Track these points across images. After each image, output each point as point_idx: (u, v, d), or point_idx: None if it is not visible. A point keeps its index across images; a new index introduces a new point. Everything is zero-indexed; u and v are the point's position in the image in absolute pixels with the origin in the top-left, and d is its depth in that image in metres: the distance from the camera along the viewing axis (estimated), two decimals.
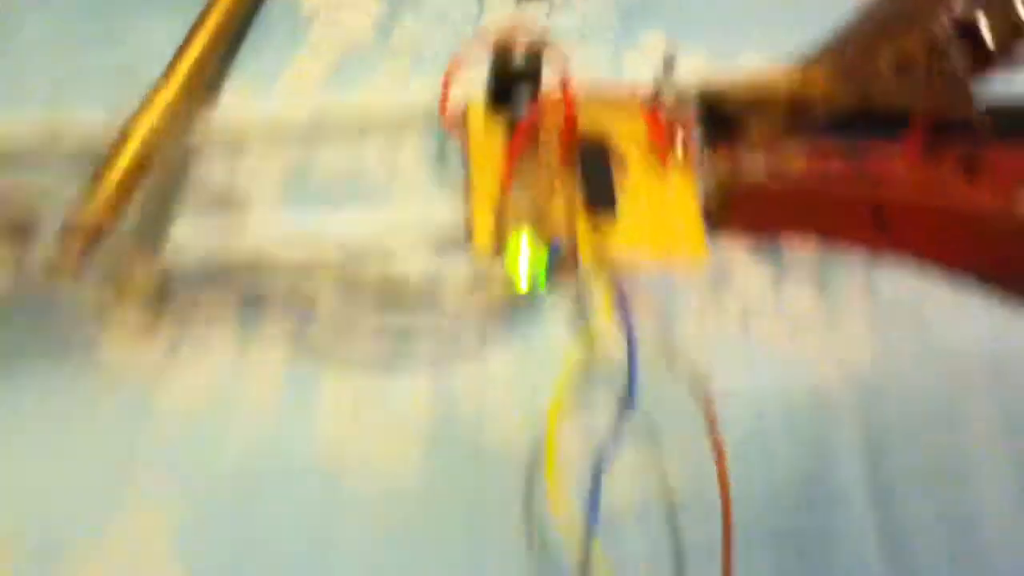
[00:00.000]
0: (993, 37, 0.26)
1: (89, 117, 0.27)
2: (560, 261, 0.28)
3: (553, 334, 0.28)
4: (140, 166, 0.26)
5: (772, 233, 0.31)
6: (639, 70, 0.33)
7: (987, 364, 0.30)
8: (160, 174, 0.27)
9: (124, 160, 0.25)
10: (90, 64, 0.30)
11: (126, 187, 0.25)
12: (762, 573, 0.27)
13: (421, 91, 0.32)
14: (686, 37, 0.34)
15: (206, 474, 0.25)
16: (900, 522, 0.28)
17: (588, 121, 0.31)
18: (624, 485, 0.27)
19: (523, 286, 0.27)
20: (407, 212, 0.30)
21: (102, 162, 0.25)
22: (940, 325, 0.30)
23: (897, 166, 0.30)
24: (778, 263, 0.30)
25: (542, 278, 0.28)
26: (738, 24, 0.35)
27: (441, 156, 0.31)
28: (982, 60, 0.27)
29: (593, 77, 0.32)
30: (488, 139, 0.30)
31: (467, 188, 0.30)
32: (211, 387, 0.26)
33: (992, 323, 0.30)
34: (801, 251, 0.31)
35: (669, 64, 0.32)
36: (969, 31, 0.28)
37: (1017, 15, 0.26)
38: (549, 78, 0.29)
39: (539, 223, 0.29)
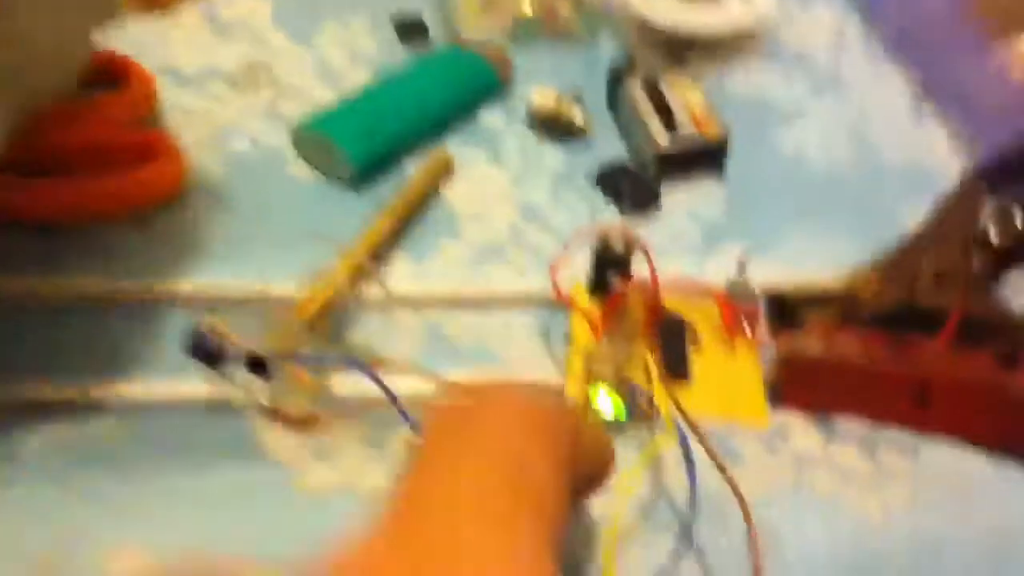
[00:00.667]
0: (1000, 241, 0.32)
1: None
2: (636, 408, 0.34)
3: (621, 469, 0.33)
4: (327, 306, 0.34)
5: (826, 408, 0.36)
6: (718, 269, 0.40)
7: None
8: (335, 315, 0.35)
9: (318, 297, 0.34)
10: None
11: (313, 320, 0.33)
12: None
13: (536, 280, 0.39)
14: (762, 248, 0.41)
15: None
16: None
17: (670, 305, 0.38)
18: None
19: (607, 416, 0.33)
20: (517, 371, 0.37)
21: (303, 299, 0.34)
22: (983, 499, 0.33)
23: (938, 349, 0.35)
24: (831, 430, 0.35)
25: (621, 416, 0.33)
26: (802, 245, 0.42)
27: (547, 331, 0.38)
28: (997, 261, 0.33)
29: (677, 275, 0.39)
30: (587, 313, 0.37)
31: (567, 351, 0.37)
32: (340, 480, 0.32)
33: None
34: (850, 424, 0.35)
35: (742, 265, 0.39)
36: (986, 240, 0.33)
37: (1014, 224, 0.32)
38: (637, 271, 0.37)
39: (620, 382, 0.35)
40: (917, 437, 0.34)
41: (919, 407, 0.34)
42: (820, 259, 0.41)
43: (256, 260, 0.38)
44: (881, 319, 0.37)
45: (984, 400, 0.34)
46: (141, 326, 0.36)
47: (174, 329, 0.35)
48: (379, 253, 0.38)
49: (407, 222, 0.41)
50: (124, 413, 0.33)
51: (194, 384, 0.34)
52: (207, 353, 0.31)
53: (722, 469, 0.29)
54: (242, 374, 0.32)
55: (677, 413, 0.33)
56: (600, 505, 0.31)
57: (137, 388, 0.34)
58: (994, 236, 0.32)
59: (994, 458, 0.34)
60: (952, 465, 0.33)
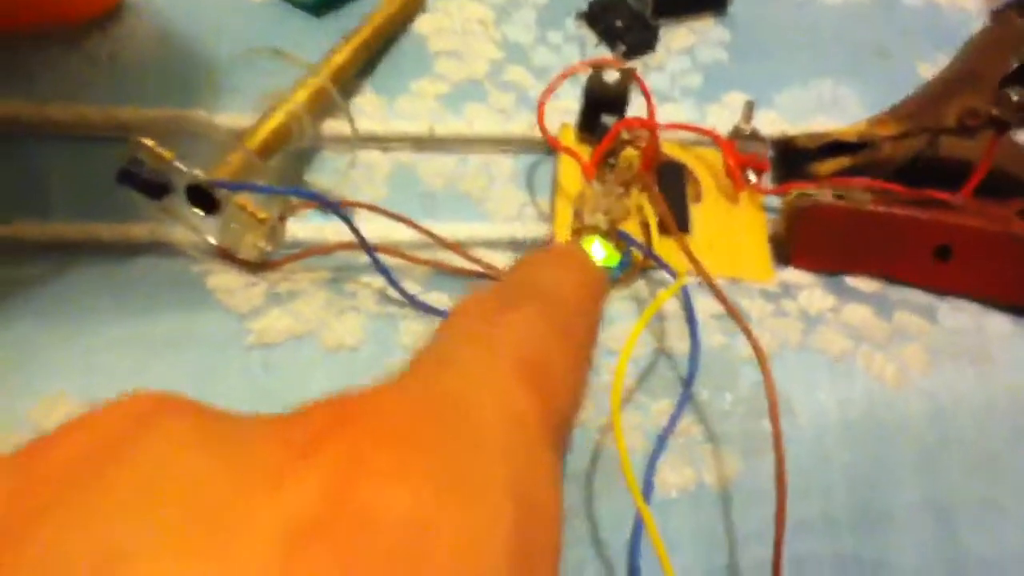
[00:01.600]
0: None
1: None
2: (632, 261, 0.30)
3: (620, 323, 0.30)
4: (283, 134, 0.30)
5: (837, 264, 0.32)
6: (719, 122, 0.36)
7: None
8: (293, 150, 0.31)
9: (271, 124, 0.29)
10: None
11: (267, 151, 0.29)
12: (813, 574, 0.27)
13: (519, 122, 0.35)
14: (763, 99, 0.38)
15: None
16: (959, 548, 0.28)
17: (669, 151, 0.34)
18: (678, 467, 0.27)
19: (596, 260, 0.30)
20: (498, 219, 0.33)
21: (251, 128, 0.29)
22: (1003, 360, 0.30)
23: (961, 201, 0.31)
24: (842, 288, 0.32)
25: (613, 267, 0.30)
26: (813, 93, 0.38)
27: (531, 175, 0.34)
28: None
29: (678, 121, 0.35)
30: (576, 155, 0.33)
31: (553, 198, 0.33)
32: (298, 329, 0.29)
33: None
34: (864, 283, 0.32)
35: (749, 108, 0.35)
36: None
37: None
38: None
39: (612, 232, 0.31)
40: (934, 296, 0.31)
41: (939, 261, 0.31)
42: (831, 110, 0.38)
43: (200, 87, 0.33)
44: (899, 171, 0.34)
45: (1008, 254, 0.31)
46: (72, 158, 0.31)
47: (109, 162, 0.30)
48: (343, 85, 0.33)
49: (374, 54, 0.36)
50: (54, 255, 0.29)
51: (132, 223, 0.29)
52: (143, 181, 0.27)
53: (738, 319, 0.25)
54: (186, 208, 0.28)
55: (682, 265, 0.30)
56: (607, 371, 0.28)
57: (69, 228, 0.30)
58: None
59: (1014, 316, 0.31)
60: (971, 325, 0.31)
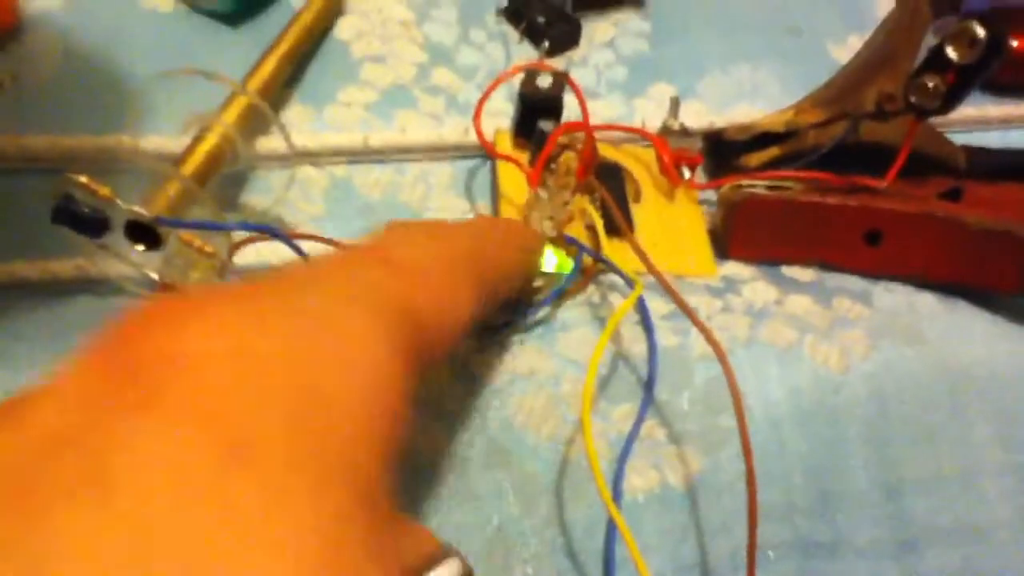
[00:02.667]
0: (961, 57, 0.30)
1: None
2: (582, 267, 0.31)
3: (576, 330, 0.30)
4: (217, 158, 0.28)
5: (774, 254, 0.33)
6: (647, 116, 0.37)
7: (984, 378, 0.31)
8: (227, 172, 0.30)
9: (204, 148, 0.28)
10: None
11: (202, 177, 0.28)
12: (779, 562, 0.28)
13: (453, 128, 0.35)
14: (687, 89, 0.38)
15: None
16: (909, 520, 0.29)
17: (604, 151, 0.34)
18: (642, 471, 0.28)
19: (548, 269, 0.30)
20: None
21: (184, 153, 0.28)
22: (937, 339, 0.31)
23: (886, 186, 0.33)
24: (781, 279, 0.33)
25: (566, 268, 0.30)
26: (734, 79, 0.39)
27: (469, 181, 0.34)
28: (956, 83, 0.31)
29: (607, 119, 0.35)
30: (518, 163, 0.33)
31: (496, 205, 0.33)
32: None
33: (985, 340, 0.32)
34: (801, 272, 0.33)
35: (675, 104, 0.35)
36: (939, 59, 0.31)
37: (972, 31, 0.29)
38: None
39: (560, 237, 0.31)
40: (868, 280, 0.33)
41: (870, 246, 0.33)
42: (752, 96, 0.39)
43: (118, 110, 0.31)
44: (824, 157, 0.35)
45: (932, 234, 0.32)
46: None
47: (29, 196, 0.28)
48: (270, 99, 0.32)
49: (298, 64, 0.35)
50: None
51: (63, 261, 0.28)
52: (79, 219, 0.26)
53: (695, 320, 0.26)
54: (125, 245, 0.26)
55: (628, 266, 0.30)
56: (567, 381, 0.28)
57: None
58: (953, 53, 0.30)
59: (941, 294, 0.33)
60: (904, 305, 0.32)
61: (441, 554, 0.15)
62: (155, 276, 0.27)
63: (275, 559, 0.11)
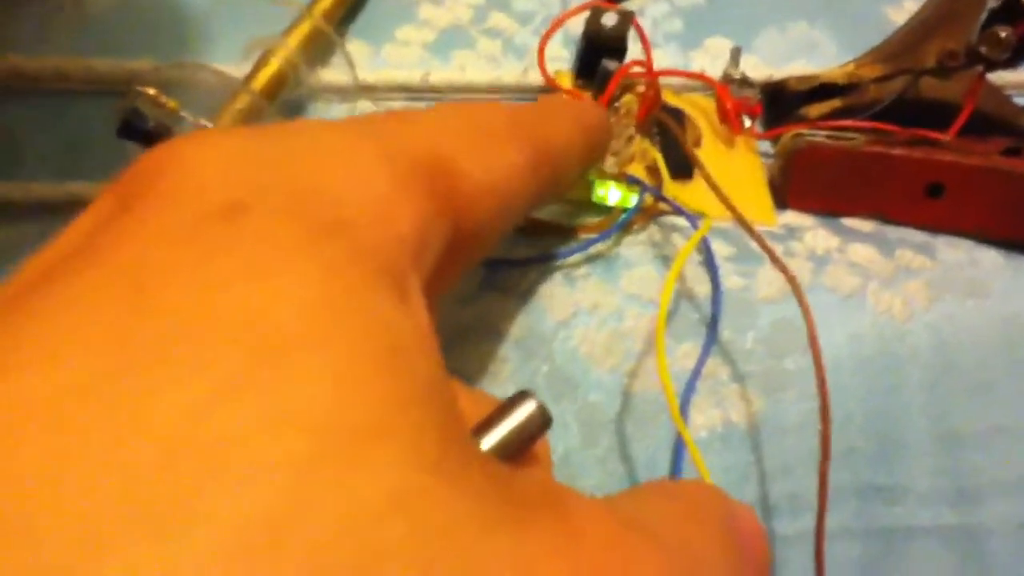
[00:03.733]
0: None
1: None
2: (642, 206, 0.30)
3: (639, 267, 0.30)
4: (280, 81, 0.28)
5: (832, 204, 0.33)
6: (704, 68, 0.36)
7: None
8: (288, 100, 0.29)
9: (268, 72, 0.28)
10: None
11: (268, 97, 0.27)
12: (838, 504, 0.28)
13: (510, 70, 0.35)
14: (745, 44, 0.38)
15: None
16: (967, 470, 0.29)
17: (664, 97, 0.34)
18: (705, 409, 0.28)
19: (611, 202, 0.29)
20: None
21: (248, 75, 0.28)
22: (999, 294, 0.31)
23: (947, 141, 0.32)
24: (842, 229, 0.32)
25: (627, 204, 0.30)
26: (790, 36, 0.39)
27: None
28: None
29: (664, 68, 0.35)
30: (577, 98, 0.32)
31: None
32: None
33: None
34: (862, 223, 0.33)
35: (736, 54, 0.35)
36: (1013, 8, 0.31)
37: None
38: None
39: (620, 176, 0.31)
40: (930, 234, 0.32)
41: (931, 199, 0.32)
42: (809, 53, 0.38)
43: (179, 34, 0.31)
44: (884, 112, 0.34)
45: (997, 189, 0.32)
46: (47, 114, 0.29)
47: (89, 118, 0.28)
48: (331, 28, 0.32)
49: (355, 1, 0.35)
50: (36, 217, 0.27)
51: None
52: (146, 133, 0.25)
53: (773, 257, 0.26)
54: None
55: (692, 206, 0.30)
56: (630, 317, 0.28)
57: (52, 188, 0.28)
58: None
59: (1004, 249, 0.32)
60: (966, 259, 0.32)
61: (516, 398, 0.14)
62: None
63: (276, 287, 0.11)
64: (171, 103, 0.25)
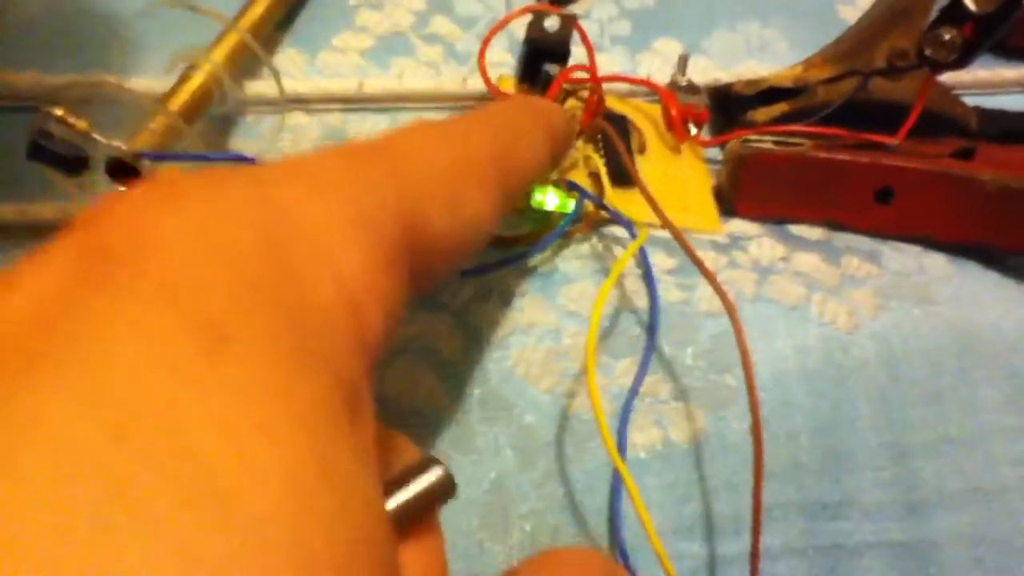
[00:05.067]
0: (980, 7, 0.29)
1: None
2: (582, 214, 0.29)
3: (578, 283, 0.29)
4: (204, 97, 0.27)
5: (781, 211, 0.32)
6: (652, 72, 0.35)
7: (993, 341, 0.30)
8: (215, 115, 0.28)
9: (190, 87, 0.27)
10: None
11: (188, 115, 0.26)
12: (783, 522, 0.27)
13: (451, 76, 0.34)
14: (694, 45, 0.37)
15: None
16: (916, 482, 0.28)
17: (609, 103, 0.33)
18: (645, 428, 0.27)
19: (549, 207, 0.29)
20: None
21: (169, 91, 0.27)
22: (946, 301, 0.31)
23: (897, 144, 0.32)
24: (788, 236, 0.32)
25: (566, 209, 0.29)
26: (741, 35, 0.38)
27: None
28: (973, 36, 0.30)
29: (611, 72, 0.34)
30: None
31: None
32: None
33: (994, 303, 0.31)
34: (809, 231, 0.32)
35: (683, 61, 0.34)
36: (957, 11, 0.30)
37: None
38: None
39: (560, 183, 0.30)
40: (877, 239, 0.32)
41: (880, 204, 0.32)
42: (760, 54, 0.37)
43: (103, 47, 0.30)
44: (833, 114, 0.34)
45: (946, 193, 0.31)
46: None
47: (10, 135, 0.27)
48: (261, 41, 0.31)
49: (291, 7, 0.34)
50: None
51: (43, 203, 0.27)
52: (55, 155, 0.24)
53: (705, 272, 0.25)
54: (106, 183, 0.25)
55: (634, 216, 0.29)
56: (568, 334, 0.27)
57: None
58: (972, 4, 0.29)
59: (951, 255, 0.32)
60: (914, 266, 0.31)
61: (424, 463, 0.14)
62: None
63: (259, 443, 0.10)
64: (81, 123, 0.24)
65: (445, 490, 0.15)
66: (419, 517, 0.14)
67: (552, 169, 0.28)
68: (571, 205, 0.29)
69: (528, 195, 0.29)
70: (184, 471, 0.09)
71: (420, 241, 0.15)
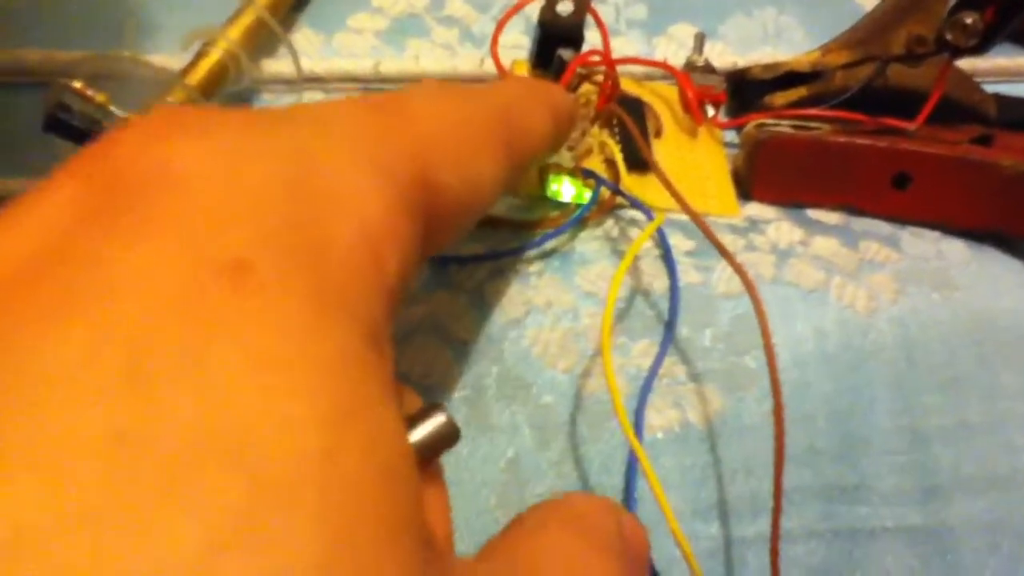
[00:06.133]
0: None
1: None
2: (599, 200, 0.29)
3: (595, 263, 0.29)
4: (220, 74, 0.27)
5: (797, 195, 0.32)
6: (668, 56, 0.35)
7: (1012, 328, 0.30)
8: (230, 92, 0.28)
9: (207, 64, 0.27)
10: None
11: (205, 91, 0.26)
12: (801, 505, 0.27)
13: (467, 59, 0.34)
14: (711, 31, 0.37)
15: None
16: (934, 467, 0.28)
17: (625, 86, 0.33)
18: (662, 409, 0.27)
19: (565, 199, 0.28)
20: None
21: (187, 67, 0.27)
22: (965, 286, 0.30)
23: (915, 130, 0.31)
24: (806, 221, 0.32)
25: (581, 199, 0.29)
26: (757, 21, 0.38)
27: None
28: (993, 21, 0.29)
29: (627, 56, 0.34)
30: None
31: None
32: None
33: (1013, 289, 0.31)
34: (827, 215, 0.32)
35: (700, 40, 0.34)
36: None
37: None
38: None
39: (577, 169, 0.30)
40: (895, 226, 0.32)
41: (897, 189, 0.31)
42: (776, 40, 0.37)
43: (116, 23, 0.30)
44: (851, 100, 0.33)
45: (965, 179, 0.31)
46: None
47: (23, 111, 0.27)
48: (278, 18, 0.31)
49: None
50: None
51: None
52: (73, 128, 0.24)
53: (724, 253, 0.25)
54: None
55: (651, 202, 0.29)
56: (586, 315, 0.27)
57: None
58: None
59: (969, 240, 0.32)
60: (932, 251, 0.31)
61: (428, 409, 0.14)
62: None
63: (288, 379, 0.09)
64: (99, 96, 0.24)
65: (449, 435, 0.14)
66: (425, 463, 0.14)
67: (555, 149, 0.27)
68: (587, 195, 0.29)
69: (544, 184, 0.29)
70: (205, 412, 0.09)
71: (431, 194, 0.15)
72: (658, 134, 0.32)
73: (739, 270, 0.24)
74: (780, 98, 0.34)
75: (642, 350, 0.27)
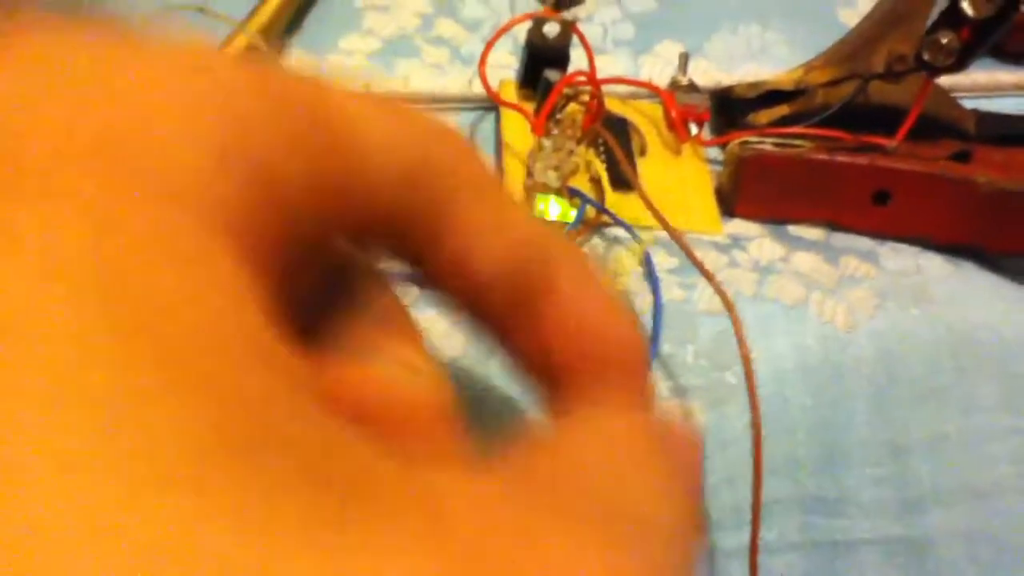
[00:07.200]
0: (978, 11, 0.29)
1: None
2: (584, 218, 0.30)
3: None
4: None
5: (780, 212, 0.33)
6: (654, 74, 0.36)
7: (990, 342, 0.31)
8: None
9: None
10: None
11: None
12: (781, 517, 0.27)
13: (457, 79, 0.34)
14: (696, 48, 0.38)
15: None
16: (913, 480, 0.29)
17: (609, 105, 0.33)
18: None
19: (550, 218, 0.29)
20: None
21: None
22: (943, 301, 0.31)
23: (895, 146, 0.32)
24: (788, 237, 0.32)
25: (567, 219, 0.29)
26: (742, 39, 0.39)
27: (473, 133, 0.33)
28: (971, 39, 0.30)
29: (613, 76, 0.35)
30: (523, 112, 0.32)
31: (500, 155, 0.32)
32: None
33: (991, 303, 0.32)
34: (808, 231, 0.33)
35: (684, 60, 0.35)
36: (954, 15, 0.30)
37: None
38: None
39: (563, 188, 0.31)
40: (875, 240, 0.32)
41: (878, 205, 0.32)
42: (760, 57, 0.38)
43: None
44: (832, 117, 0.34)
45: (943, 195, 0.32)
46: None
47: None
48: (269, 43, 0.32)
49: (298, 11, 0.34)
50: None
51: None
52: None
53: (705, 273, 0.25)
54: None
55: (634, 219, 0.30)
56: None
57: None
58: (969, 8, 0.29)
59: (948, 256, 0.32)
60: (911, 266, 0.32)
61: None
62: None
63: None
64: None
65: None
66: None
67: None
68: (572, 214, 0.29)
69: (531, 204, 0.30)
70: None
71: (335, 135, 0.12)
72: (643, 152, 0.33)
73: (718, 290, 0.25)
74: (763, 116, 0.34)
75: None
